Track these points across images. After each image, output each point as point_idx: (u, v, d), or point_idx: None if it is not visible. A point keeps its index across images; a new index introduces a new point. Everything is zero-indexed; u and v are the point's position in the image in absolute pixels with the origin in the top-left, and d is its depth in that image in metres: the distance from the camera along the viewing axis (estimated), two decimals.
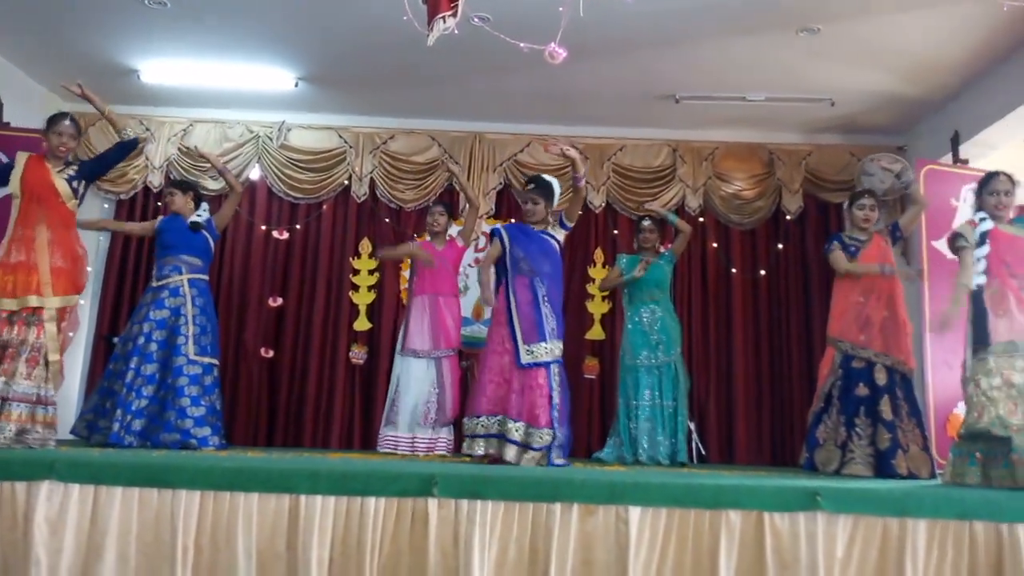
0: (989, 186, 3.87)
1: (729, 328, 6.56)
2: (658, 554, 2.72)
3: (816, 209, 6.69)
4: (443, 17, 3.61)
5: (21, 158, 4.25)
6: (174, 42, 5.63)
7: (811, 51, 5.36)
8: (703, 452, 6.02)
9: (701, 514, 2.75)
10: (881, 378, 4.45)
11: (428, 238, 5.66)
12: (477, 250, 6.60)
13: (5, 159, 4.42)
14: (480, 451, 4.16)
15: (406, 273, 6.16)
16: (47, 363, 4.05)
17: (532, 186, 4.55)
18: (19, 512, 2.72)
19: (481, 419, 4.19)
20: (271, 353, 6.47)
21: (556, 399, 4.22)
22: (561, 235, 4.52)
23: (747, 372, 6.48)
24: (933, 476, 4.33)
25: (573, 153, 4.39)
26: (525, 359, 4.21)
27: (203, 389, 4.78)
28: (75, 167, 4.31)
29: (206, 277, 5.08)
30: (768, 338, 6.56)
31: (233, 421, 6.20)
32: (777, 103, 6.10)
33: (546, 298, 4.32)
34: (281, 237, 6.62)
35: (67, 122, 4.26)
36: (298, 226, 6.65)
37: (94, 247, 6.53)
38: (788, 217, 6.63)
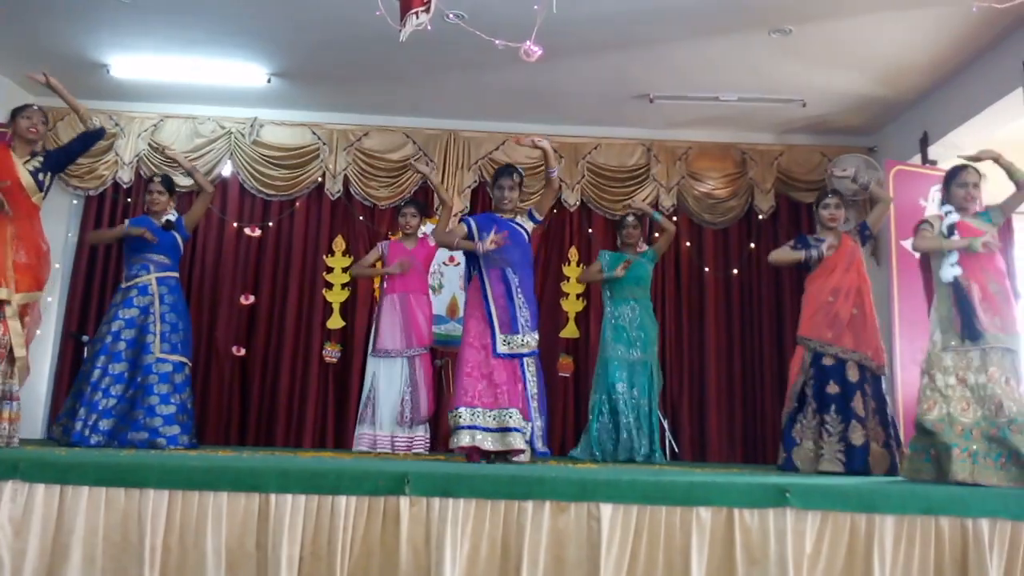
0: (958, 178, 3.90)
1: (702, 326, 6.61)
2: (630, 551, 2.73)
3: (788, 208, 6.76)
4: (416, 13, 3.60)
5: None
6: (145, 36, 5.56)
7: (783, 52, 5.41)
8: (675, 449, 6.06)
9: (672, 511, 2.75)
10: (853, 375, 4.49)
11: (399, 238, 5.63)
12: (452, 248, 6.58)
13: None
14: (466, 441, 4.11)
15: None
16: (12, 359, 3.98)
17: (505, 173, 4.49)
18: None
19: (462, 411, 4.16)
20: (243, 351, 6.41)
21: (532, 390, 4.23)
22: (530, 226, 4.48)
23: (719, 370, 6.53)
24: (892, 473, 4.39)
25: (545, 144, 4.37)
26: (501, 349, 4.20)
27: (173, 387, 4.72)
28: (40, 158, 4.23)
29: (176, 275, 5.01)
30: (740, 336, 6.61)
31: (205, 420, 6.14)
32: (749, 103, 6.15)
33: (519, 288, 4.31)
34: (253, 234, 6.56)
35: (35, 107, 4.24)
36: (271, 223, 6.60)
37: (62, 243, 6.44)
38: (760, 216, 6.69)
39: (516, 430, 4.10)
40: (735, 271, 6.66)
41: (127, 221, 5.24)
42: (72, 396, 4.75)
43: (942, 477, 3.50)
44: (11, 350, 4.00)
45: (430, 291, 5.66)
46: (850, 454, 4.36)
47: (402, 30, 3.63)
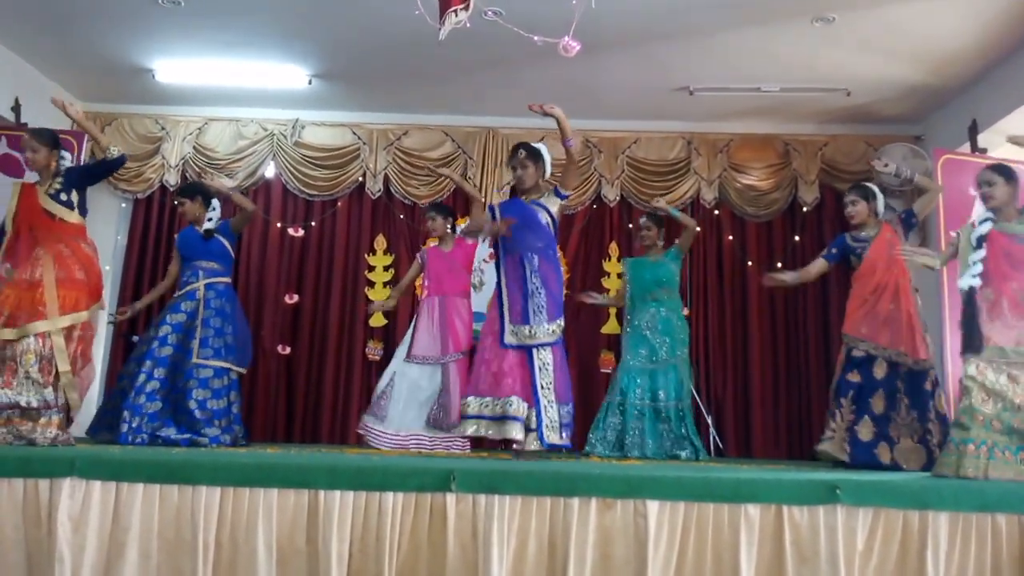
0: (976, 180, 3.84)
1: (745, 321, 6.53)
2: (677, 548, 2.71)
3: (833, 200, 6.63)
4: (455, 11, 3.61)
5: (16, 189, 4.13)
6: (188, 41, 5.65)
7: (826, 41, 5.32)
8: (720, 446, 6.01)
9: (720, 508, 2.73)
10: (879, 372, 4.46)
11: (436, 243, 5.53)
12: (492, 244, 6.61)
13: None
14: (471, 431, 4.12)
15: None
16: (58, 372, 4.00)
17: (520, 152, 4.41)
18: (43, 510, 2.74)
19: (470, 400, 4.16)
20: (288, 350, 6.50)
21: (543, 379, 4.15)
22: (555, 204, 4.33)
23: (764, 365, 6.46)
24: (927, 469, 4.32)
25: (557, 111, 4.19)
26: (508, 340, 4.16)
27: (212, 392, 4.74)
28: (61, 178, 4.15)
29: (226, 280, 5.03)
30: (785, 331, 6.53)
31: (252, 418, 6.25)
32: (792, 93, 6.06)
33: (536, 273, 4.19)
34: (296, 235, 6.65)
35: (25, 136, 4.17)
36: (313, 223, 6.68)
37: (111, 246, 6.59)
38: (804, 208, 6.59)
39: (515, 419, 4.04)
40: (779, 264, 6.56)
41: (176, 236, 5.30)
42: (114, 395, 4.83)
43: (958, 473, 3.43)
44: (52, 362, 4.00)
45: (472, 289, 5.63)
46: (855, 446, 4.35)
47: (441, 28, 3.65)
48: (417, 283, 6.19)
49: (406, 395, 5.18)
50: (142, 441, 4.52)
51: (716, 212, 6.65)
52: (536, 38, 3.82)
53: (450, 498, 2.73)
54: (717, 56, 5.60)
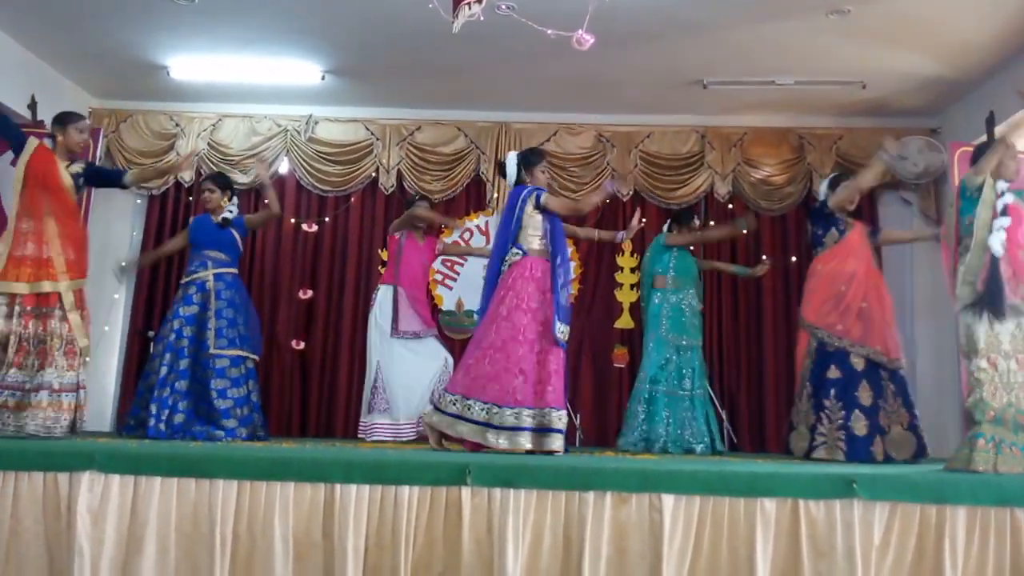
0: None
1: (759, 315, 6.51)
2: (692, 542, 2.72)
3: None
4: (468, 4, 3.60)
5: (32, 144, 4.26)
6: (202, 38, 5.67)
7: (841, 33, 5.28)
8: (734, 439, 6.00)
9: (735, 502, 2.73)
10: (858, 364, 4.46)
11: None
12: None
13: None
14: (504, 443, 4.01)
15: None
16: (79, 351, 4.17)
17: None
18: (62, 503, 2.77)
19: (509, 411, 4.07)
20: (302, 345, 6.53)
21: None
22: (530, 201, 4.37)
23: (778, 359, 6.42)
24: (918, 457, 4.30)
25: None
26: (561, 339, 4.25)
27: (230, 381, 4.81)
28: (82, 165, 4.37)
29: (234, 271, 5.10)
30: (799, 325, 6.48)
31: (267, 412, 6.26)
32: (807, 86, 6.02)
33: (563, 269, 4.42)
34: (310, 230, 6.67)
35: (87, 120, 4.41)
36: (327, 219, 6.70)
37: (127, 241, 6.63)
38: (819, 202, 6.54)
39: (558, 431, 4.13)
40: (793, 258, 6.54)
41: (191, 219, 5.37)
42: (142, 391, 4.89)
43: (968, 466, 3.41)
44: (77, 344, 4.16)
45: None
46: (851, 443, 4.32)
47: (455, 22, 3.65)
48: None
49: (405, 381, 5.29)
50: (170, 437, 4.58)
51: (730, 206, 6.62)
52: (550, 32, 3.82)
53: (465, 492, 2.75)
54: (731, 49, 5.57)
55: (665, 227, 5.76)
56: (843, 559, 2.67)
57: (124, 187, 4.63)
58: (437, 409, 4.16)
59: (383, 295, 5.53)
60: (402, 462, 2.85)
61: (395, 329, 5.43)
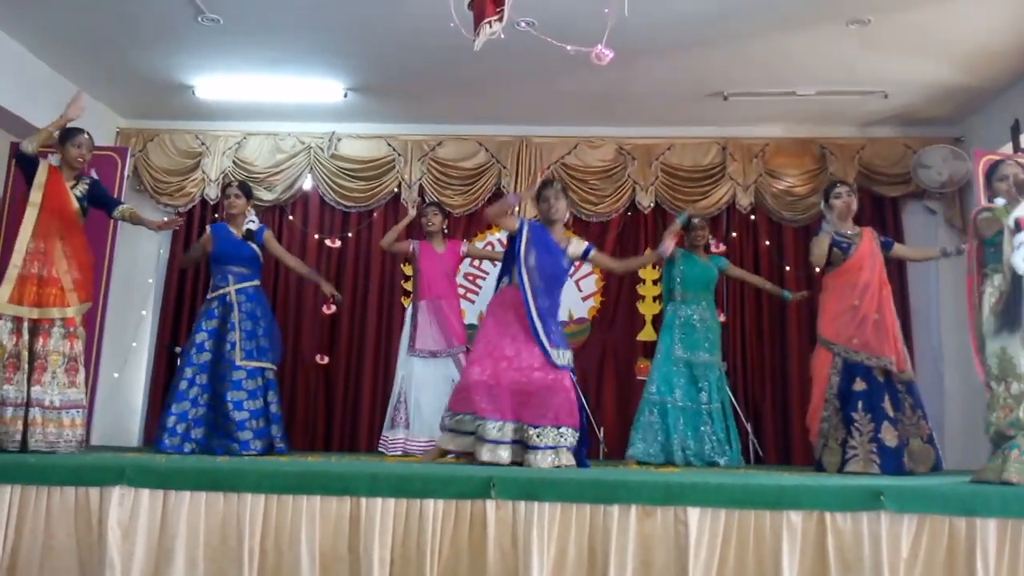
0: (997, 172, 3.78)
1: (783, 326, 6.47)
2: (718, 555, 2.70)
3: (871, 203, 6.55)
4: (489, 22, 3.64)
5: (45, 166, 4.33)
6: (227, 57, 5.77)
7: (862, 43, 5.27)
8: (760, 452, 5.96)
9: (761, 515, 2.71)
10: (879, 376, 4.44)
11: (428, 239, 5.68)
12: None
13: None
14: (549, 460, 3.98)
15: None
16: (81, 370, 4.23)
17: (555, 184, 4.44)
18: (93, 516, 2.81)
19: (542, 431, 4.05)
20: (326, 359, 6.58)
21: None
22: (578, 248, 4.36)
23: (802, 373, 6.32)
24: (936, 470, 4.27)
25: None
26: (559, 361, 4.16)
27: (247, 394, 4.82)
28: (87, 185, 4.44)
29: (256, 283, 5.13)
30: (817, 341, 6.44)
31: (292, 426, 6.32)
32: (828, 97, 6.01)
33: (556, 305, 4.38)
34: (334, 246, 6.73)
35: (86, 135, 4.41)
36: (350, 234, 6.76)
37: (154, 258, 6.73)
38: None
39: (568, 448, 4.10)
40: (817, 269, 6.48)
41: (208, 227, 5.36)
42: (168, 407, 4.94)
43: (1000, 477, 3.35)
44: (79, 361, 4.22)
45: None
46: (884, 455, 4.28)
47: (476, 40, 3.69)
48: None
49: (424, 398, 5.29)
50: (192, 451, 4.63)
51: (752, 217, 6.60)
52: (569, 47, 3.85)
53: (490, 505, 2.75)
54: (751, 60, 5.58)
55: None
56: (871, 572, 2.64)
57: (111, 217, 4.65)
58: (441, 428, 4.26)
59: (409, 312, 5.62)
60: (427, 475, 2.87)
61: (411, 346, 5.47)
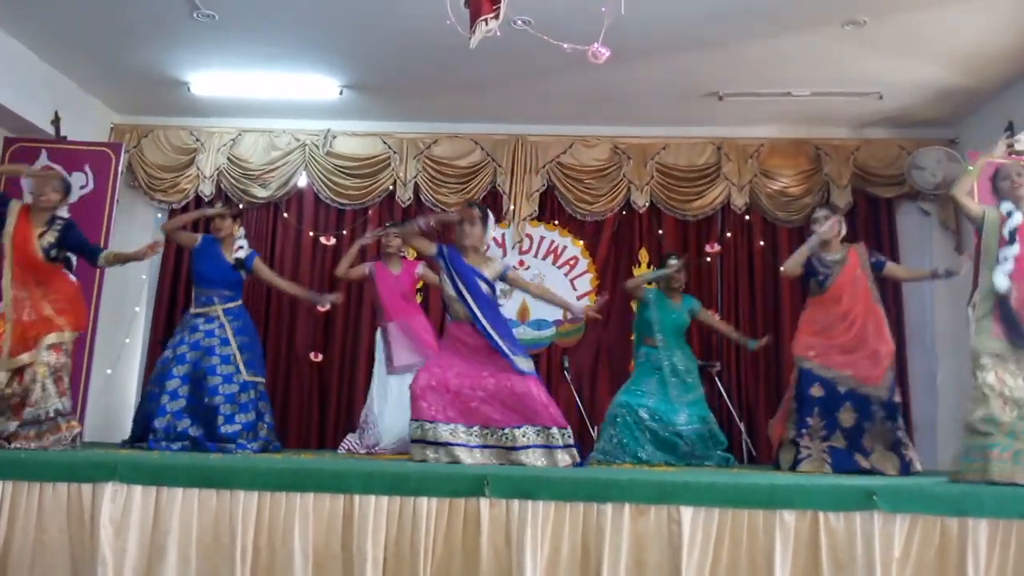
0: (1000, 174, 3.81)
1: (777, 327, 6.46)
2: (711, 555, 2.71)
3: (866, 204, 6.58)
4: (485, 19, 3.64)
5: (15, 208, 4.22)
6: (222, 54, 5.75)
7: (858, 44, 5.27)
8: (753, 453, 5.97)
9: (755, 514, 2.72)
10: (842, 388, 4.44)
11: (384, 261, 5.59)
12: (522, 252, 6.68)
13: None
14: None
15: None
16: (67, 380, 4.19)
17: (475, 208, 4.39)
18: (86, 513, 2.81)
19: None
20: (320, 357, 6.57)
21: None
22: (495, 270, 4.33)
23: None
24: (904, 472, 4.28)
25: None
26: (522, 367, 4.13)
27: (239, 407, 4.82)
28: (58, 232, 4.26)
29: (240, 302, 5.15)
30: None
31: (285, 425, 6.32)
32: (823, 98, 6.02)
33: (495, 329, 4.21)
34: (328, 243, 6.72)
35: (53, 174, 4.32)
36: (345, 232, 6.74)
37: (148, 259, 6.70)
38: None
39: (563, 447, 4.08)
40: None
41: (199, 237, 5.31)
42: (142, 414, 4.89)
43: (985, 477, 3.38)
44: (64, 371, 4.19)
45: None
46: (835, 455, 4.35)
47: (472, 37, 3.68)
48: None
49: (392, 407, 5.24)
50: (181, 448, 4.61)
51: (747, 217, 6.61)
52: (566, 46, 3.84)
53: (484, 503, 2.75)
54: (747, 61, 5.58)
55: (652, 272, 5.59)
56: (863, 571, 2.66)
57: (96, 266, 4.57)
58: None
59: (379, 334, 5.50)
60: (421, 474, 2.87)
61: (390, 366, 5.37)
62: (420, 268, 5.61)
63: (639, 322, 5.60)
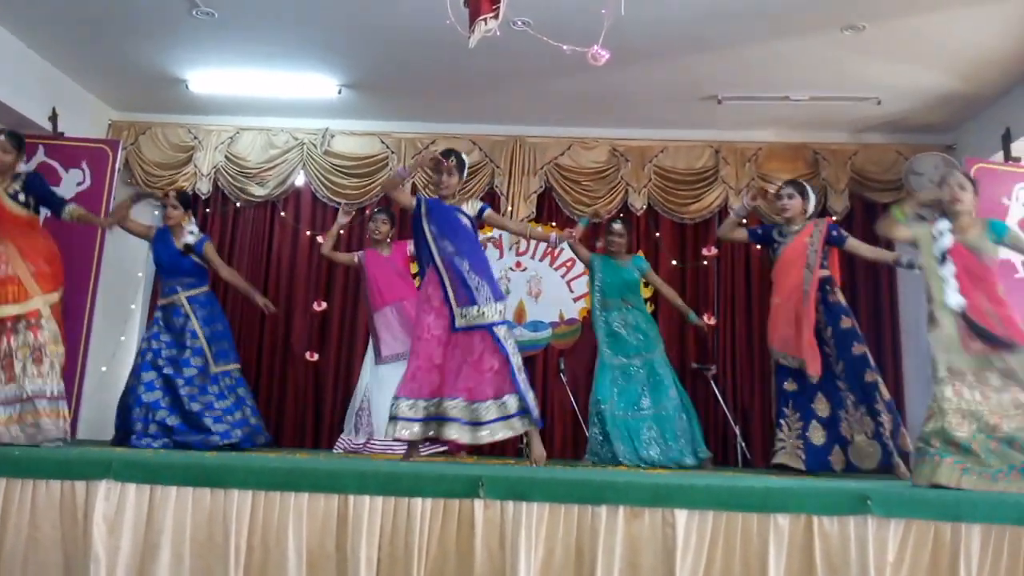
0: (946, 178, 3.84)
1: None
2: (705, 558, 2.70)
3: (863, 209, 6.59)
4: (484, 19, 3.63)
5: None
6: (221, 52, 5.74)
7: (856, 49, 5.29)
8: (748, 456, 5.97)
9: (749, 517, 2.72)
10: (813, 377, 4.47)
11: (373, 246, 5.63)
12: (519, 253, 6.67)
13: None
14: (407, 434, 4.08)
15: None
16: (51, 360, 4.18)
17: (451, 158, 4.43)
18: (79, 510, 2.79)
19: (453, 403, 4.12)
20: (316, 356, 6.56)
21: (514, 363, 4.12)
22: (475, 209, 4.43)
23: None
24: (884, 467, 4.29)
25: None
26: (459, 323, 4.16)
27: (214, 396, 4.88)
28: (22, 181, 4.34)
29: (206, 288, 5.16)
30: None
31: (281, 423, 6.33)
32: (821, 102, 6.03)
33: (472, 272, 4.23)
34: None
35: (2, 137, 4.33)
36: (342, 231, 6.72)
37: (144, 252, 6.68)
38: (834, 218, 6.52)
39: (517, 415, 4.13)
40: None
41: (153, 228, 5.32)
42: (124, 409, 4.91)
43: (931, 480, 3.37)
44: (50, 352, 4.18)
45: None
46: (809, 451, 4.41)
47: (471, 37, 3.68)
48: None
49: (387, 398, 5.24)
50: (163, 444, 4.63)
51: (744, 221, 6.59)
52: (565, 47, 3.84)
53: (478, 504, 2.75)
54: (745, 65, 5.59)
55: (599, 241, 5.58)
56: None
57: (59, 217, 4.54)
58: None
59: (377, 321, 5.48)
60: (416, 474, 2.86)
61: (378, 356, 5.40)
62: (410, 247, 5.54)
63: (592, 291, 5.47)
